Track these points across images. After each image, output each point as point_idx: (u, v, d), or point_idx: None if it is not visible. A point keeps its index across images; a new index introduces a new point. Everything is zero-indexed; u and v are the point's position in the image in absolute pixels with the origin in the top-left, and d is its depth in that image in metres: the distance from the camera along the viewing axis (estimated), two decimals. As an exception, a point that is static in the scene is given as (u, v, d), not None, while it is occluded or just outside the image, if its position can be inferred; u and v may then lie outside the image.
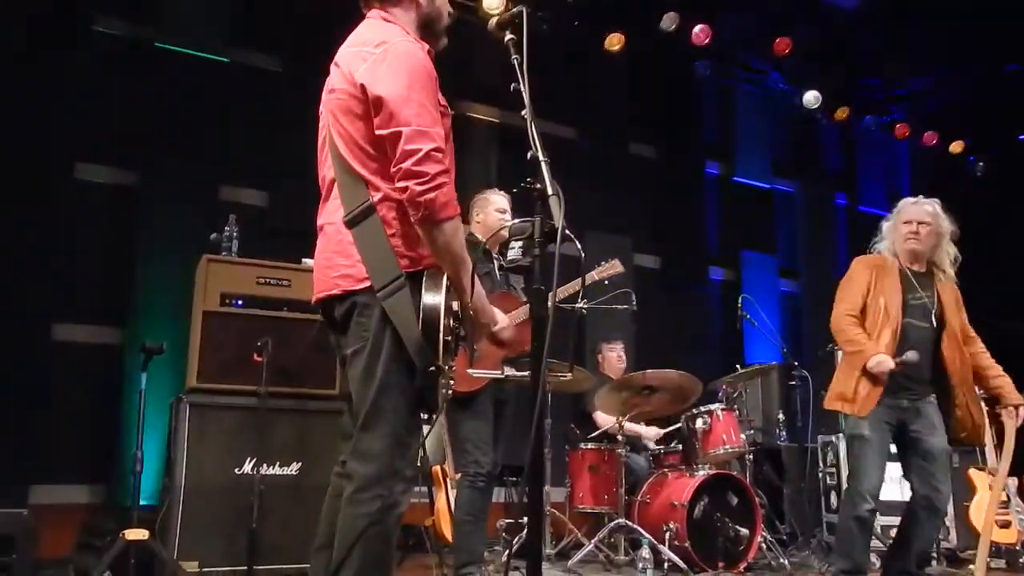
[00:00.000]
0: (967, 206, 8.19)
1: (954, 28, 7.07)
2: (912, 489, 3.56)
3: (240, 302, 3.81)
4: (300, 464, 3.74)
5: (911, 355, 3.47)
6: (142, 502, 3.56)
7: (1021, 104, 7.74)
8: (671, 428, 5.44)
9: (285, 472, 3.72)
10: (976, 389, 3.75)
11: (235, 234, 4.05)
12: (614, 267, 4.08)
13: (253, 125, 5.74)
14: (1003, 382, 3.68)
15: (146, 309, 5.07)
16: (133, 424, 3.81)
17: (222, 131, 5.52)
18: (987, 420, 3.83)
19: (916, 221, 3.67)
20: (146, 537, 3.34)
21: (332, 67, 2.12)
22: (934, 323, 3.62)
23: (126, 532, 3.32)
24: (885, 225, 3.78)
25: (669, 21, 6.70)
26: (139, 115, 5.32)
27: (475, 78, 6.24)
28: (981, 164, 8.84)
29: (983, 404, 3.85)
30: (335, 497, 2.02)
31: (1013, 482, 5.39)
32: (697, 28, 6.96)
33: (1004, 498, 5.18)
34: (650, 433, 5.49)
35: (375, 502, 1.88)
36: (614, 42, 6.89)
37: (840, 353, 3.92)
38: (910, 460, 3.59)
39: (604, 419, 5.16)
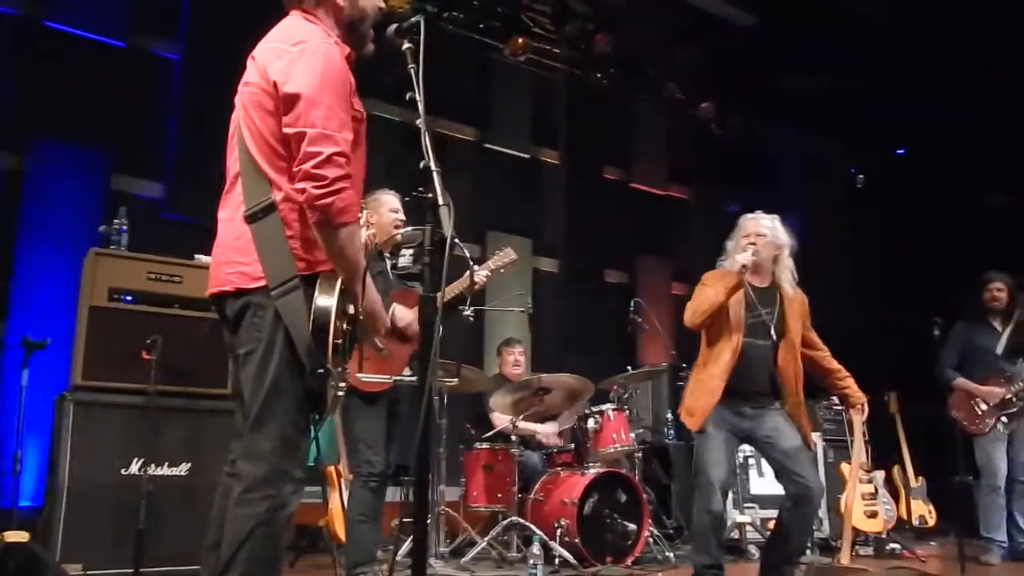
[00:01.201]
0: (850, 215, 8.81)
1: (841, 44, 7.50)
2: (784, 488, 3.66)
3: (129, 298, 3.71)
4: (190, 464, 3.67)
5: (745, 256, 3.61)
6: (25, 504, 3.43)
7: (899, 119, 8.29)
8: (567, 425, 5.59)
9: (174, 472, 3.64)
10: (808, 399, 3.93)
11: (125, 227, 3.94)
12: (507, 255, 4.11)
13: (149, 113, 5.56)
14: (849, 383, 3.86)
15: (28, 302, 4.86)
16: (13, 423, 3.65)
17: (116, 118, 5.30)
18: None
19: (754, 233, 3.77)
20: (26, 539, 3.22)
21: (249, 60, 2.11)
22: (773, 338, 3.70)
23: (5, 534, 3.19)
24: (729, 244, 3.86)
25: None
26: (24, 96, 5.07)
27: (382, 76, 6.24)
28: (861, 176, 9.38)
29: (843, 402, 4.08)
30: (225, 497, 2.01)
31: (880, 475, 5.78)
32: (599, 37, 7.16)
33: (872, 490, 5.55)
34: (547, 429, 5.60)
35: (263, 503, 1.88)
36: (518, 47, 7.00)
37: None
38: (773, 463, 3.69)
39: (500, 420, 5.25)
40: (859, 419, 3.87)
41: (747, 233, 3.80)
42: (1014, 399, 5.19)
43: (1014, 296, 5.35)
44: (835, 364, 3.91)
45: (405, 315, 3.53)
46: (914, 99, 7.83)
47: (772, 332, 3.70)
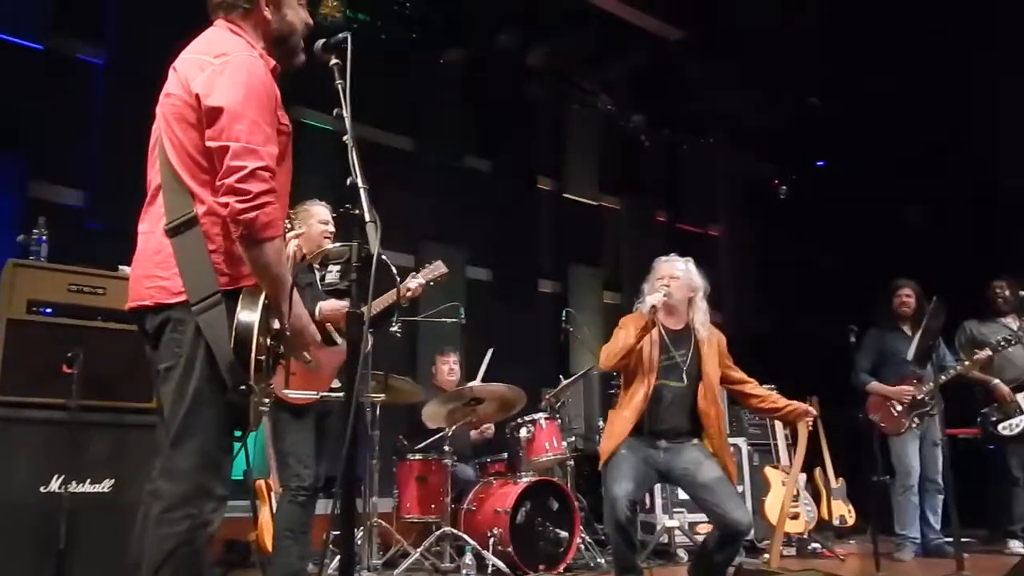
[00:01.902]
0: (773, 226, 9.10)
1: (765, 61, 7.76)
2: (712, 523, 3.62)
3: (49, 310, 3.60)
4: (114, 480, 3.56)
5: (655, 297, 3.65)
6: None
7: (819, 133, 8.60)
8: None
9: (97, 489, 3.53)
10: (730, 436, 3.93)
11: (45, 237, 3.83)
12: (438, 268, 4.13)
13: (69, 119, 5.39)
14: (783, 402, 3.85)
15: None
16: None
17: (34, 123, 5.12)
18: (807, 429, 3.98)
19: (668, 275, 3.83)
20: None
21: (171, 71, 2.08)
22: (686, 381, 3.72)
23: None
24: (645, 286, 3.90)
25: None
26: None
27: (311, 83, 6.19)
28: (784, 188, 9.69)
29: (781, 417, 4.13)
30: (147, 516, 1.97)
31: (803, 477, 5.98)
32: (532, 48, 7.25)
33: (794, 492, 5.74)
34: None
35: (184, 522, 1.86)
36: (452, 56, 7.04)
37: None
38: (694, 497, 3.67)
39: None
40: (805, 431, 3.85)
41: (661, 275, 3.86)
42: (926, 399, 5.44)
43: (922, 302, 5.60)
44: (763, 390, 3.93)
45: (333, 305, 3.49)
46: (834, 112, 8.16)
47: (685, 374, 3.72)
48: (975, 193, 7.65)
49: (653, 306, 3.62)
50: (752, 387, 3.91)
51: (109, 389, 3.62)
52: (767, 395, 3.91)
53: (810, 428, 3.95)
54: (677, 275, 3.84)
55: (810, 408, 3.86)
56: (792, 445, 5.98)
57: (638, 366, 3.70)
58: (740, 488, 5.87)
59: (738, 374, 3.92)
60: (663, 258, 3.97)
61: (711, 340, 3.83)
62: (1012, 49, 7.05)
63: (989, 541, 6.00)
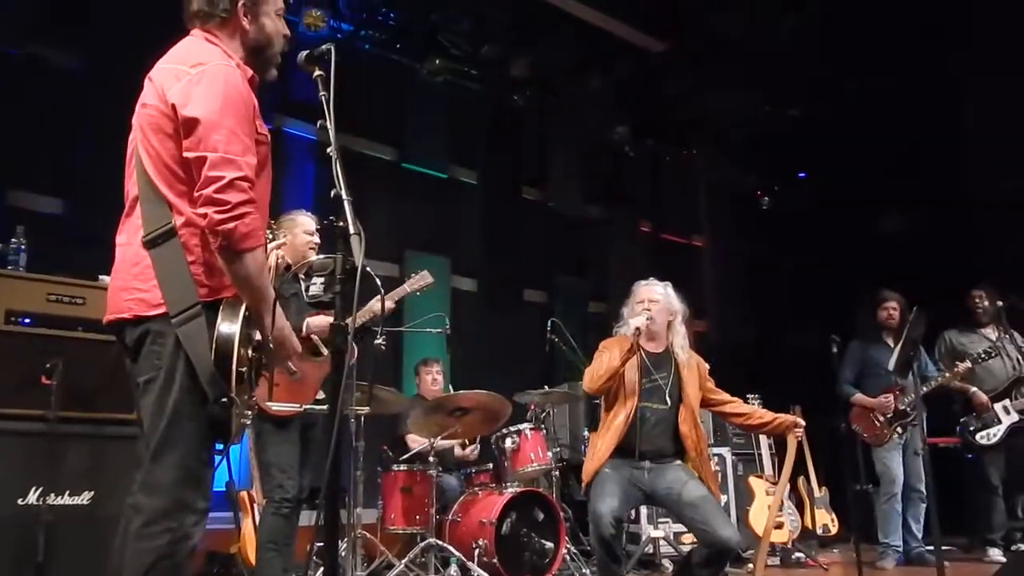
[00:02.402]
0: (756, 236, 9.16)
1: (747, 72, 7.83)
2: (697, 540, 3.60)
3: (28, 320, 3.56)
4: (93, 492, 3.52)
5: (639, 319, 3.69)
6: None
7: (801, 144, 8.68)
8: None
9: (76, 502, 3.49)
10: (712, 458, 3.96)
11: (23, 246, 3.79)
12: (423, 278, 4.15)
13: (49, 126, 5.32)
14: (769, 416, 3.85)
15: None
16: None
17: (12, 131, 5.05)
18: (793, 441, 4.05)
19: (647, 299, 3.86)
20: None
21: (146, 81, 2.06)
22: (668, 403, 3.74)
23: None
24: (625, 310, 3.94)
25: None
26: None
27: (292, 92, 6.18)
28: (767, 198, 9.76)
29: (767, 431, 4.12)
30: (127, 529, 1.95)
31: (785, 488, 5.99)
32: (516, 59, 7.27)
33: (780, 504, 5.76)
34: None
35: (164, 536, 1.84)
36: (436, 66, 7.04)
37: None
38: (680, 516, 3.64)
39: (417, 442, 5.23)
40: (794, 442, 3.83)
41: (641, 299, 3.89)
42: (908, 410, 5.48)
43: (906, 315, 5.64)
44: (748, 408, 3.95)
45: (321, 322, 3.48)
46: (816, 124, 8.24)
47: (667, 396, 3.74)
48: (955, 202, 7.72)
49: (637, 328, 3.65)
50: (736, 406, 3.93)
51: (88, 400, 3.58)
52: (752, 412, 3.93)
53: (799, 439, 3.96)
54: (657, 299, 3.88)
55: (798, 419, 3.86)
56: (776, 455, 6.00)
57: (619, 389, 3.73)
58: (724, 498, 5.89)
59: (721, 396, 3.94)
60: (642, 282, 3.99)
61: (691, 364, 3.86)
62: (990, 57, 7.15)
63: (969, 549, 6.04)
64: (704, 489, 3.57)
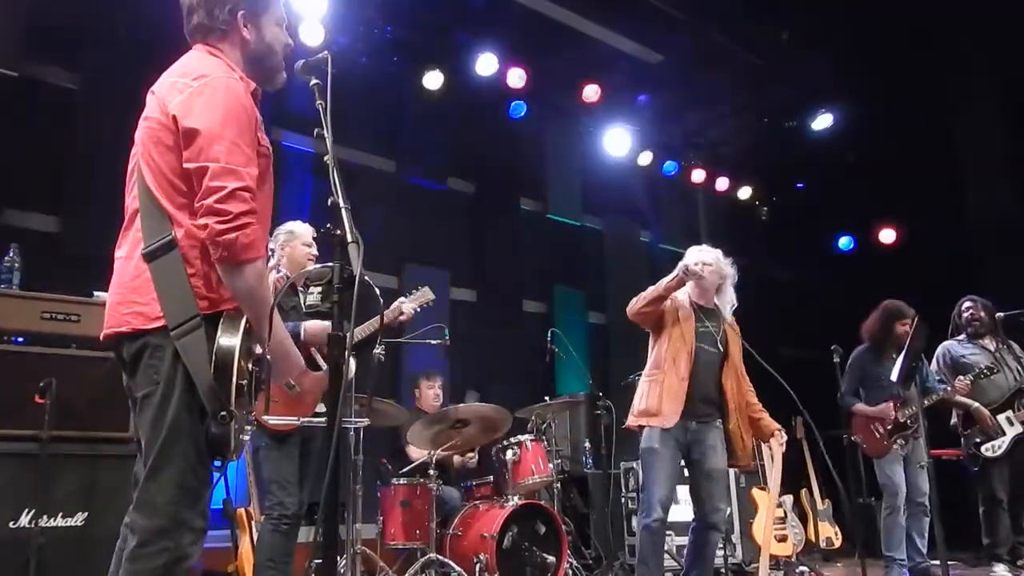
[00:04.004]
0: (757, 248, 9.14)
1: (743, 85, 7.85)
2: (694, 509, 3.89)
3: (21, 339, 3.51)
4: (87, 514, 3.46)
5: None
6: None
7: (798, 155, 8.68)
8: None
9: (69, 523, 3.42)
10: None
11: (18, 264, 3.75)
12: (425, 295, 4.14)
13: (44, 145, 5.31)
14: (764, 415, 4.10)
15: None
16: None
17: (7, 150, 5.04)
18: (770, 447, 4.18)
19: (701, 262, 4.04)
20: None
21: (149, 95, 2.05)
22: (720, 349, 3.99)
23: None
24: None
25: None
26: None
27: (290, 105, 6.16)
28: (765, 208, 9.75)
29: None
30: (122, 550, 1.91)
31: (789, 499, 5.94)
32: (513, 71, 7.26)
33: (782, 514, 5.71)
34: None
35: (160, 556, 1.79)
36: (433, 79, 7.04)
37: (641, 378, 4.18)
38: (693, 479, 3.93)
39: (417, 453, 5.18)
40: (779, 448, 4.00)
41: (697, 261, 4.05)
42: (908, 422, 5.43)
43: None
44: (754, 399, 4.13)
45: (317, 327, 3.44)
46: (811, 133, 8.24)
47: (719, 343, 3.96)
48: (951, 215, 7.72)
49: (687, 266, 3.84)
50: (751, 394, 4.12)
51: (82, 419, 3.52)
52: (755, 403, 4.13)
53: (783, 447, 4.06)
54: (709, 261, 4.06)
55: (778, 430, 4.02)
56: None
57: (676, 335, 3.90)
58: (728, 510, 5.83)
59: (744, 372, 4.12)
60: (696, 247, 4.18)
61: (735, 328, 4.09)
62: (983, 72, 7.16)
63: (975, 564, 5.97)
64: (724, 464, 3.87)
